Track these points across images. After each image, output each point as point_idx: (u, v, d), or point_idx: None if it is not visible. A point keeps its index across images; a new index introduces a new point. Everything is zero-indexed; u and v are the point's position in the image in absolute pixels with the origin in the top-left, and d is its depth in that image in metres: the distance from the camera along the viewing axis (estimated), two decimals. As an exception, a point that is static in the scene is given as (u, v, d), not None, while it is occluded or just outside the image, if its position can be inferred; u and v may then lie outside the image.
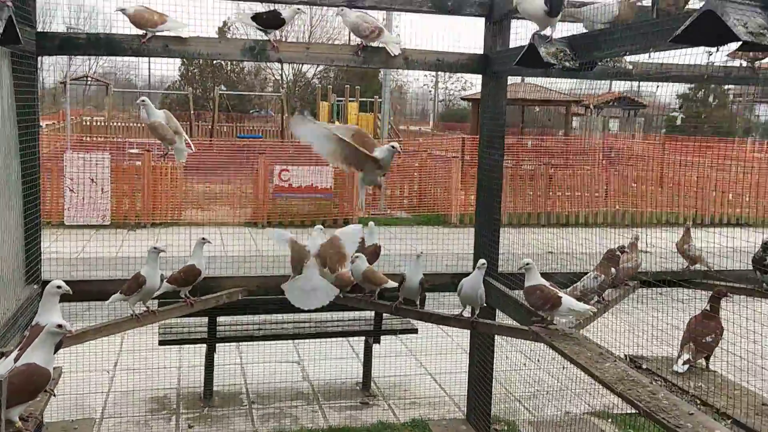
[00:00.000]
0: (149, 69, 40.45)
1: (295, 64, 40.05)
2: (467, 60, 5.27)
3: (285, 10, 4.77)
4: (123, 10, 4.47)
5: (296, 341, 8.60)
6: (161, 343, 7.00)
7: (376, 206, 18.04)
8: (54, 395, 3.06)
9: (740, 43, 4.78)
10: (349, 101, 27.06)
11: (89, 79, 40.30)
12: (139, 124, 34.04)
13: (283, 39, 36.54)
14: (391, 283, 4.83)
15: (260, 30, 4.76)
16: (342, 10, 4.84)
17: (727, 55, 5.32)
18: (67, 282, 4.84)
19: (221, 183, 17.92)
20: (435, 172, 18.47)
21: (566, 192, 18.20)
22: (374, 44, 4.95)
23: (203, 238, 4.63)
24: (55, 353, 3.05)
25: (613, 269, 4.97)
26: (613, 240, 5.62)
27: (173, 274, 4.55)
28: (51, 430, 4.75)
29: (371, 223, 5.52)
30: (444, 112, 53.74)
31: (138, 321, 4.29)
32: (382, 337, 7.65)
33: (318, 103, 28.61)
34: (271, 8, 4.76)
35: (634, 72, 4.76)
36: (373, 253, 5.33)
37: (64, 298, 5.01)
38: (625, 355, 4.05)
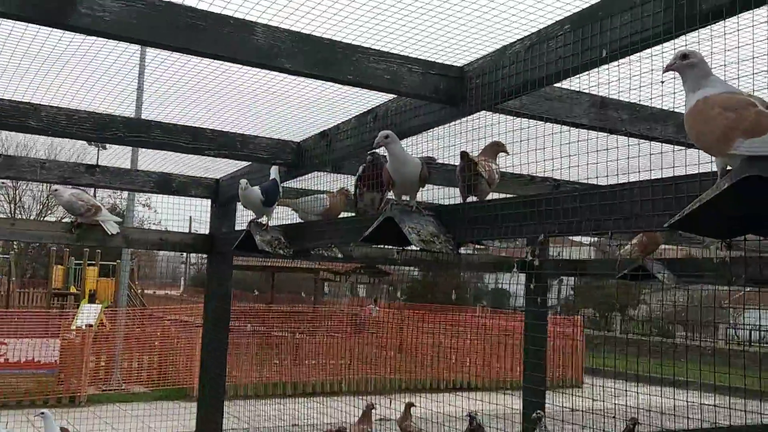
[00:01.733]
0: None
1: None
2: (192, 240, 5.25)
3: (-13, 184, 4.44)
4: None
5: None
6: None
7: (107, 380, 16.59)
8: None
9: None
10: (89, 265, 25.43)
11: None
12: None
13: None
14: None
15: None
16: (56, 189, 4.62)
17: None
18: None
19: None
20: (178, 341, 17.65)
21: (312, 360, 18.32)
22: (91, 222, 4.75)
23: None
24: None
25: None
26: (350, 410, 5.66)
27: None
28: None
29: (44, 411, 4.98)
30: (195, 275, 52.53)
31: None
32: None
33: (52, 266, 26.44)
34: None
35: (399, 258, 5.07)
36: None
37: None
38: None
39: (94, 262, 26.08)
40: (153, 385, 16.89)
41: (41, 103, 3.47)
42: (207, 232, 5.43)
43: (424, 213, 3.03)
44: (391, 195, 3.45)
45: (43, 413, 4.95)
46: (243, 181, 4.04)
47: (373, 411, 5.96)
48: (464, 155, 2.97)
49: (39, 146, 19.28)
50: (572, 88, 3.18)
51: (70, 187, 4.70)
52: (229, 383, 16.95)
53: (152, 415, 14.30)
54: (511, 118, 3.07)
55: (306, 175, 4.49)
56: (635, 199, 2.19)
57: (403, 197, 3.11)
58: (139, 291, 28.07)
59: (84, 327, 17.16)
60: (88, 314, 19.83)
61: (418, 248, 2.88)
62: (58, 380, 15.04)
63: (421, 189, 3.11)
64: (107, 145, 7.93)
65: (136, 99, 5.94)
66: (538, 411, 5.72)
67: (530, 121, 3.14)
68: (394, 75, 2.80)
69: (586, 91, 3.18)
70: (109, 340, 17.44)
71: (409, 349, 19.91)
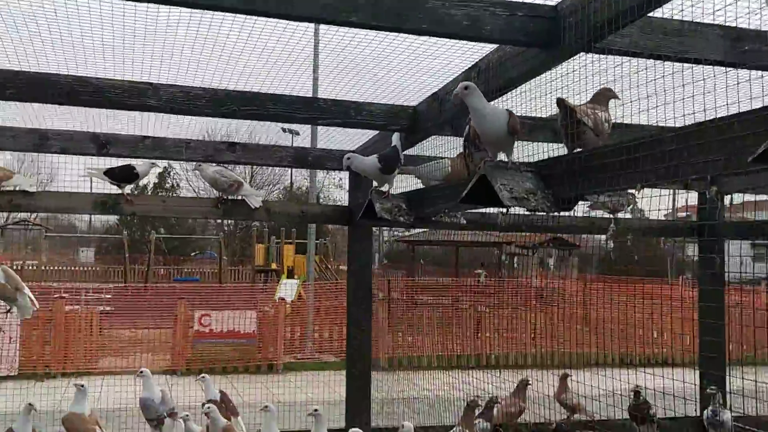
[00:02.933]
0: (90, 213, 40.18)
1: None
2: (331, 212, 5.33)
3: (140, 165, 4.79)
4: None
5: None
6: None
7: (302, 349, 17.64)
8: None
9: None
10: (286, 243, 27.16)
11: (27, 223, 39.85)
12: (74, 268, 33.45)
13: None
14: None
15: (114, 184, 4.75)
16: (199, 165, 4.89)
17: (588, 207, 5.50)
18: None
19: (148, 328, 17.42)
20: (364, 314, 18.30)
21: (495, 333, 18.16)
22: (235, 197, 4.97)
23: (30, 404, 4.35)
24: None
25: (480, 421, 4.82)
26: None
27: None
28: None
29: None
30: (389, 251, 54.22)
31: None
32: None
33: (254, 245, 28.62)
34: (125, 163, 4.78)
35: (501, 224, 4.84)
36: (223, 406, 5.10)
37: None
38: None
39: (291, 240, 27.81)
40: (343, 354, 17.69)
41: (159, 82, 3.67)
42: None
43: (522, 169, 2.78)
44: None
45: (203, 377, 5.30)
46: (348, 156, 4.01)
47: (528, 386, 5.71)
48: (560, 103, 2.67)
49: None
50: (696, 20, 2.74)
51: (213, 164, 4.95)
52: (412, 355, 17.31)
53: (342, 383, 15.02)
54: (621, 58, 2.71)
55: (427, 141, 4.36)
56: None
57: (500, 155, 2.88)
58: (334, 267, 29.49)
59: (285, 299, 18.35)
60: (287, 288, 21.24)
61: (510, 206, 2.64)
62: (257, 348, 16.24)
63: (517, 143, 2.85)
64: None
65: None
66: (712, 386, 5.20)
67: (647, 61, 2.75)
68: (474, 20, 2.57)
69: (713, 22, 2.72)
70: (302, 312, 18.52)
71: (599, 322, 19.03)
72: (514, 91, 3.16)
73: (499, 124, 2.73)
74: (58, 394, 11.93)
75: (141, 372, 4.86)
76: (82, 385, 4.86)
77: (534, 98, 3.03)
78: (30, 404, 4.34)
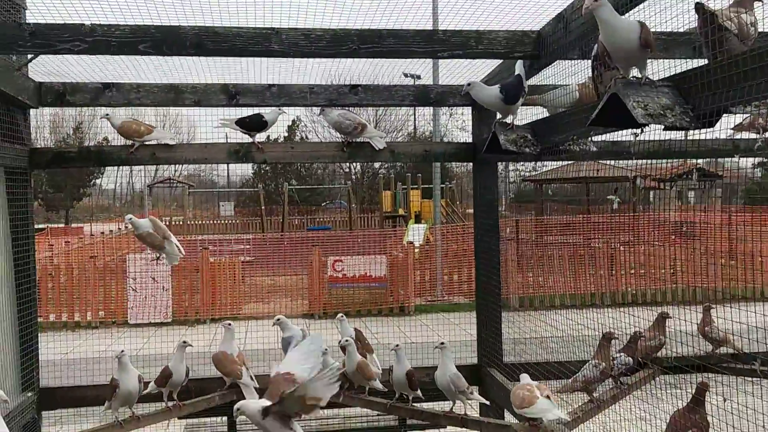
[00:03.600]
0: (228, 169, 42.26)
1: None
2: (455, 149, 5.27)
3: (268, 113, 4.93)
4: (107, 117, 4.76)
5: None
6: (184, 443, 6.99)
7: (433, 292, 17.86)
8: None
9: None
10: (412, 189, 27.36)
11: (173, 181, 42.54)
12: (216, 221, 35.43)
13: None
14: (378, 383, 4.72)
15: (245, 133, 4.93)
16: (323, 109, 4.97)
17: (732, 129, 5.14)
18: (64, 389, 5.02)
19: (286, 275, 18.29)
20: (493, 255, 18.21)
21: (631, 270, 17.55)
22: (359, 140, 5.02)
23: (184, 342, 4.67)
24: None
25: (621, 355, 4.69)
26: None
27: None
28: None
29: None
30: (516, 192, 53.44)
31: (120, 427, 4.31)
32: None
33: (381, 192, 29.05)
34: (255, 112, 4.93)
35: (633, 150, 4.61)
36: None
37: (69, 403, 5.17)
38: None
39: (417, 186, 27.97)
40: (473, 296, 17.79)
41: (281, 26, 3.72)
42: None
43: (657, 85, 2.61)
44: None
45: (341, 317, 5.45)
46: (469, 83, 3.89)
47: (668, 319, 5.48)
48: (699, 8, 2.45)
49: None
50: None
51: (337, 108, 5.01)
52: (543, 294, 17.09)
53: (472, 323, 15.14)
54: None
55: (552, 68, 4.16)
56: None
57: (632, 72, 2.70)
58: (461, 210, 29.46)
59: (414, 243, 18.58)
60: (415, 233, 21.50)
61: (644, 124, 2.49)
62: (389, 292, 16.63)
63: (651, 61, 2.66)
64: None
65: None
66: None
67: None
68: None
69: None
70: (431, 255, 18.70)
71: (746, 255, 17.92)
72: (645, 2, 2.94)
73: (630, 37, 2.56)
74: (208, 337, 12.84)
75: (278, 320, 5.07)
76: (230, 323, 5.14)
77: (668, 8, 2.81)
78: (185, 341, 4.65)
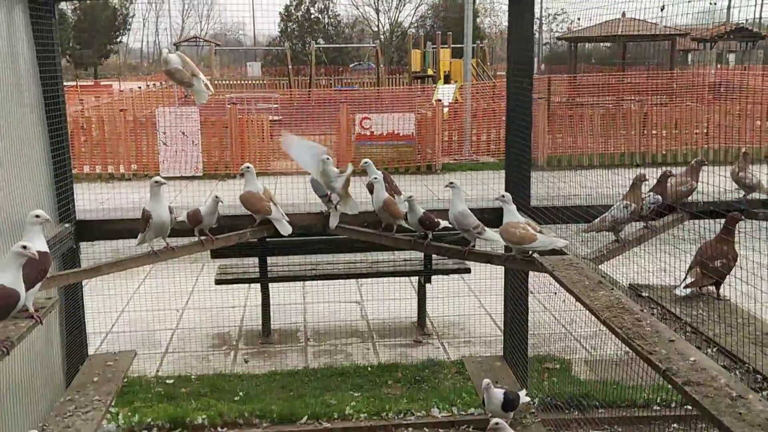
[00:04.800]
0: (254, 28, 41.39)
1: (390, 15, 39.88)
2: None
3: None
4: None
5: (360, 282, 8.77)
6: (217, 282, 7.32)
7: (460, 151, 17.82)
8: (41, 323, 3.26)
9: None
10: (442, 48, 26.63)
11: (199, 40, 41.88)
12: (242, 81, 35.10)
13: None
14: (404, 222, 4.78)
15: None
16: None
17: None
18: (99, 221, 5.18)
19: (313, 134, 18.31)
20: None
21: (664, 130, 17.24)
22: None
23: (216, 196, 4.70)
24: (39, 282, 3.26)
25: (650, 195, 4.66)
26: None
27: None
28: (94, 360, 5.11)
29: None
30: (548, 54, 51.77)
31: (156, 256, 4.47)
32: (443, 277, 7.64)
33: (410, 51, 28.32)
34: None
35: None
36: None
37: (104, 235, 5.34)
38: (629, 284, 3.84)
39: (447, 45, 27.20)
40: (500, 155, 17.71)
41: None
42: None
43: None
44: None
45: (366, 161, 5.45)
46: None
47: (703, 166, 5.39)
48: None
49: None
50: None
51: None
52: (572, 154, 16.94)
53: (500, 182, 15.17)
54: None
55: None
56: None
57: None
58: (491, 71, 28.74)
59: (442, 101, 18.33)
60: (444, 92, 21.15)
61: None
62: (416, 150, 16.62)
63: None
64: None
65: None
66: None
67: None
68: None
69: None
70: (459, 115, 18.49)
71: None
72: None
73: None
74: (238, 191, 13.10)
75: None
76: (248, 166, 5.14)
77: None
78: (216, 196, 4.70)
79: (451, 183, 4.68)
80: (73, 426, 4.13)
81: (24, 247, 2.86)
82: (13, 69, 4.19)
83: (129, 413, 5.52)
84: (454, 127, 18.12)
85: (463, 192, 4.69)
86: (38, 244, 3.15)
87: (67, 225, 4.78)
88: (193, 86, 4.80)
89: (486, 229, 4.67)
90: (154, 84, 28.73)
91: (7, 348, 2.86)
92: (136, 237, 4.68)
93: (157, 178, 4.31)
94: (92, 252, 6.19)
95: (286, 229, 4.95)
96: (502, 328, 6.58)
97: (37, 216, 3.28)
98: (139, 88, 24.23)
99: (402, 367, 6.73)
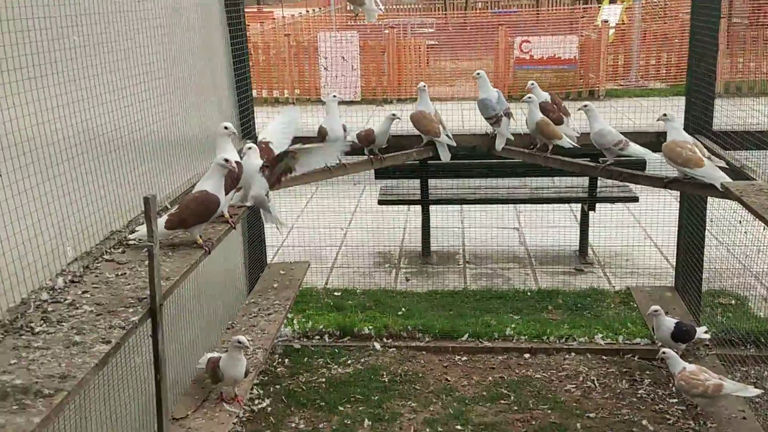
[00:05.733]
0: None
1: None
2: None
3: None
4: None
5: (518, 209, 8.70)
6: (380, 202, 7.54)
7: (626, 76, 16.82)
8: (233, 227, 3.53)
9: None
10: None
11: (355, -36, 41.83)
12: (396, 5, 34.89)
13: None
14: (567, 141, 4.65)
15: None
16: None
17: None
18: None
19: (470, 60, 17.98)
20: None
21: None
22: None
23: (393, 114, 4.79)
24: (233, 190, 3.51)
25: None
26: None
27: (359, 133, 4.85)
28: (272, 269, 5.49)
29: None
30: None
31: (329, 172, 4.67)
32: (608, 206, 7.40)
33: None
34: None
35: None
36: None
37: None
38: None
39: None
40: (672, 80, 16.55)
41: None
42: None
43: None
44: None
45: (532, 83, 5.32)
46: None
47: None
48: None
49: None
50: None
51: None
52: (754, 79, 15.50)
53: (670, 110, 14.20)
54: None
55: None
56: None
57: None
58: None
59: (609, 23, 17.28)
60: (609, 12, 19.90)
61: None
62: (578, 75, 15.90)
63: None
64: None
65: None
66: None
67: None
68: None
69: None
70: (627, 37, 17.38)
71: None
72: None
73: None
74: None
75: (477, 74, 5.04)
76: (423, 86, 5.19)
77: None
78: (393, 114, 4.79)
79: (585, 105, 4.77)
80: (258, 326, 4.50)
81: (226, 160, 3.09)
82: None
83: (303, 319, 5.91)
84: (620, 51, 17.08)
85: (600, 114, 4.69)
86: (231, 154, 3.39)
87: (248, 141, 5.10)
88: (364, 5, 4.85)
89: (631, 143, 4.50)
90: (314, 9, 29.25)
91: (209, 248, 3.14)
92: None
93: (335, 94, 4.46)
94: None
95: (446, 155, 4.99)
96: (673, 260, 6.36)
97: (226, 127, 3.52)
98: (300, 13, 24.76)
99: (562, 294, 6.67)
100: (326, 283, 7.02)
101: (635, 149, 4.49)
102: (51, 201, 2.62)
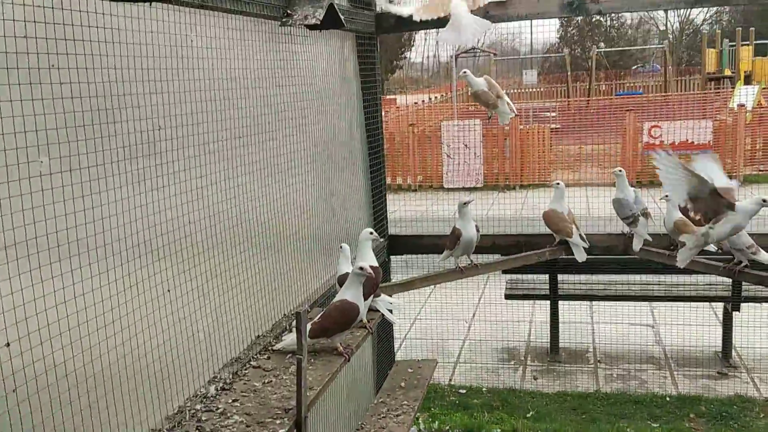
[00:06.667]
0: (531, 35, 41.32)
1: (681, 11, 37.09)
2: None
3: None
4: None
5: (652, 305, 8.30)
6: (507, 297, 7.42)
7: (765, 161, 15.96)
8: (371, 332, 3.58)
9: None
10: (742, 45, 24.13)
11: (477, 50, 42.89)
12: (518, 90, 35.31)
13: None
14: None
15: (579, -16, 4.68)
16: None
17: None
18: (406, 236, 5.54)
19: (593, 144, 17.73)
20: None
21: None
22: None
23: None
24: (372, 295, 3.58)
25: None
26: None
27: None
28: (399, 366, 5.48)
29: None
30: None
31: (461, 273, 4.67)
32: (754, 305, 6.93)
33: (704, 51, 26.08)
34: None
35: None
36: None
37: (411, 250, 5.71)
38: None
39: (747, 42, 24.61)
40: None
41: None
42: None
43: None
44: None
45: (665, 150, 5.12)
46: None
47: None
48: None
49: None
50: None
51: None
52: None
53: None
54: None
55: None
56: None
57: None
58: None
59: (745, 105, 16.61)
60: (745, 95, 19.15)
61: None
62: (713, 160, 15.23)
63: None
64: None
65: None
66: None
67: None
68: None
69: None
70: (764, 120, 16.61)
71: None
72: None
73: None
74: (518, 202, 13.14)
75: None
76: (558, 183, 5.12)
77: None
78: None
79: (666, 196, 4.36)
80: (387, 427, 4.47)
81: (361, 268, 3.17)
82: (345, 90, 4.65)
83: (429, 419, 5.83)
84: (758, 134, 16.29)
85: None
86: (370, 259, 3.47)
87: (381, 239, 5.20)
88: (498, 108, 4.93)
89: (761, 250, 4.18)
90: (435, 97, 30.02)
91: (348, 355, 3.19)
92: (440, 252, 4.92)
93: (465, 198, 4.50)
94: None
95: (581, 255, 4.86)
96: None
97: (371, 233, 3.62)
98: (422, 101, 25.48)
99: (705, 401, 6.24)
100: (450, 380, 6.92)
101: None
102: (205, 305, 2.77)
